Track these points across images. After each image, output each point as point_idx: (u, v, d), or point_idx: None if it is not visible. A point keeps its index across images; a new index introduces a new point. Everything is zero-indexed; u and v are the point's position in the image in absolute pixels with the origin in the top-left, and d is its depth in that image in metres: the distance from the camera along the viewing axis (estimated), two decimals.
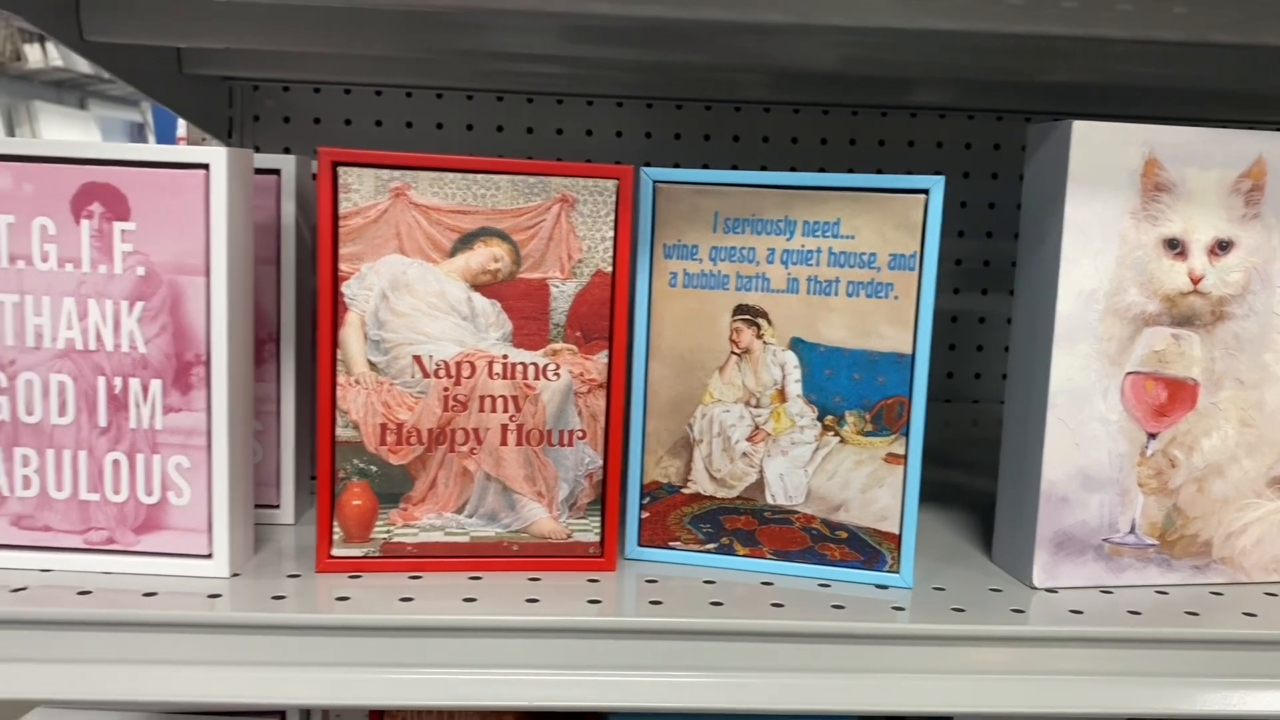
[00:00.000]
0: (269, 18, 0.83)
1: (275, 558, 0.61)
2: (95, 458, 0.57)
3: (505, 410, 0.59)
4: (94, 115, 3.76)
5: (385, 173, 0.56)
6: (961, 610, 0.57)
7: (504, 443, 0.59)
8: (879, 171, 1.08)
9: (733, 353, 0.60)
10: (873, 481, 0.59)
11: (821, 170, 1.08)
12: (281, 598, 0.55)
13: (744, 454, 0.61)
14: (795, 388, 0.59)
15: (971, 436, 1.00)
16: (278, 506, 0.67)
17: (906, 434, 0.58)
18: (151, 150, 0.55)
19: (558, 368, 0.59)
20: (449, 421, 0.59)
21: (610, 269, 0.59)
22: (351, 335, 0.57)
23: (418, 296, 0.58)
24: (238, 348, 0.57)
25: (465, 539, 0.60)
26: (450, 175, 0.57)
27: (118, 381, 0.56)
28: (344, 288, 0.57)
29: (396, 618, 0.53)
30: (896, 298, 0.58)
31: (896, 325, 0.58)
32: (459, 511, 0.60)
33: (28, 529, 0.57)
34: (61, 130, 3.47)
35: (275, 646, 0.54)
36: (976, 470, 0.87)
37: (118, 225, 0.55)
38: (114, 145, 0.55)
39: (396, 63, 1.01)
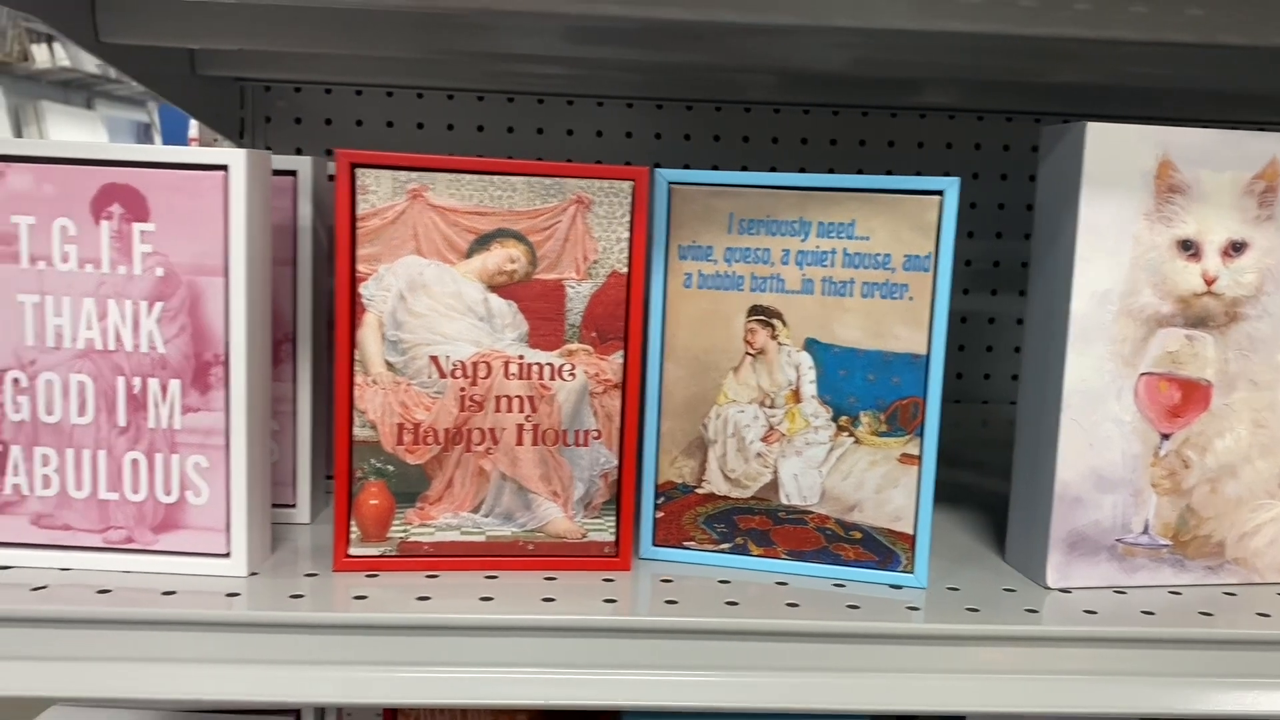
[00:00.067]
0: (281, 19, 0.83)
1: (292, 557, 0.62)
2: (114, 457, 0.57)
3: (521, 410, 0.59)
4: (100, 115, 3.77)
5: (403, 174, 0.57)
6: (976, 610, 0.57)
7: (520, 443, 0.60)
8: (888, 173, 1.08)
9: (747, 353, 0.60)
10: (887, 482, 0.59)
11: (831, 171, 1.08)
12: (299, 597, 0.56)
13: (758, 454, 0.61)
14: (810, 388, 0.59)
15: (981, 437, 1.00)
16: (294, 506, 0.67)
17: (921, 434, 0.59)
18: (171, 152, 0.55)
19: (573, 368, 0.60)
20: (465, 421, 0.59)
21: (626, 270, 0.59)
22: (369, 336, 0.58)
23: (435, 297, 0.58)
24: (256, 348, 0.57)
25: (481, 538, 0.60)
26: (467, 177, 0.57)
27: (137, 381, 0.57)
28: (362, 289, 0.57)
29: (414, 616, 0.54)
30: (911, 298, 0.58)
31: (911, 326, 0.58)
32: (475, 511, 0.60)
33: (47, 528, 0.58)
34: (68, 130, 3.48)
35: (293, 645, 0.54)
36: (986, 471, 0.87)
37: (137, 226, 0.55)
38: (134, 147, 0.55)
39: (407, 64, 1.02)
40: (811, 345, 0.59)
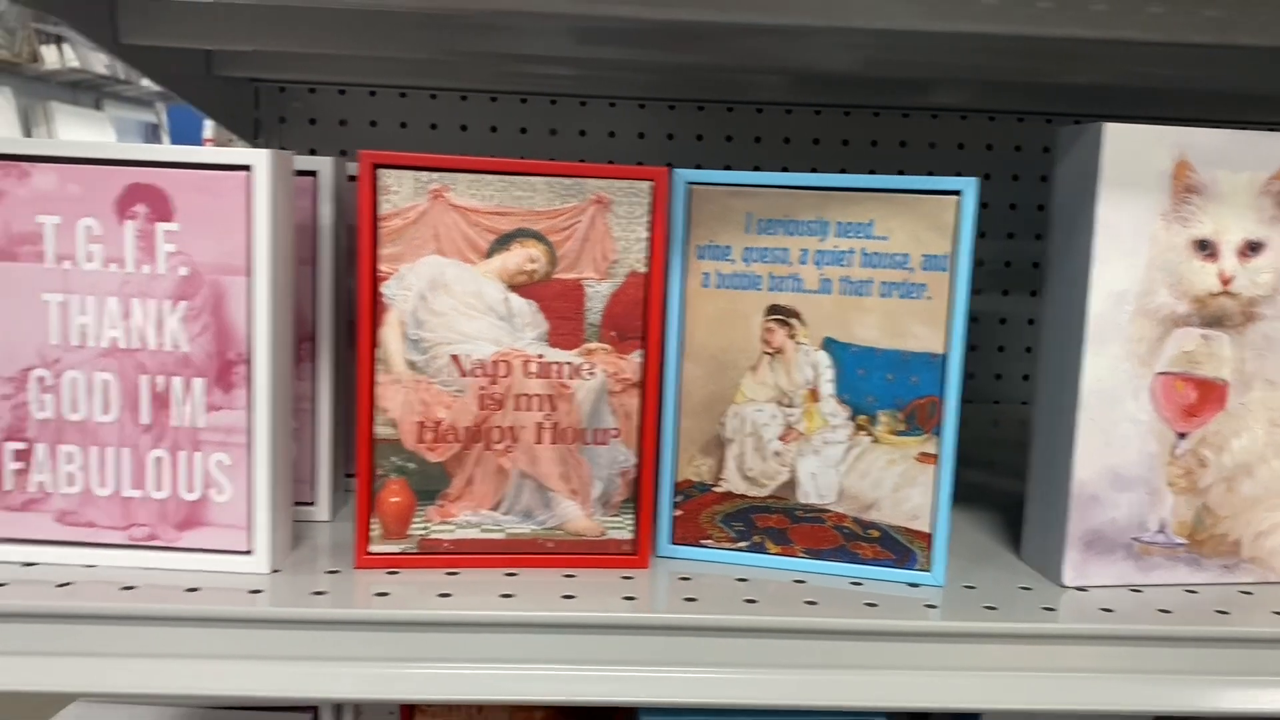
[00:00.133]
0: (295, 21, 0.84)
1: (313, 554, 0.62)
2: (138, 455, 0.58)
3: (540, 409, 0.60)
4: (109, 116, 3.78)
5: (425, 175, 0.57)
6: (993, 608, 0.58)
7: (539, 441, 0.60)
8: (900, 173, 1.08)
9: (765, 352, 0.61)
10: (904, 481, 0.60)
11: (843, 171, 1.08)
12: (321, 593, 0.56)
13: (776, 453, 0.61)
14: (828, 387, 0.60)
15: (993, 437, 1.01)
16: (313, 503, 0.67)
17: (939, 434, 0.59)
18: (195, 152, 0.56)
19: (592, 367, 0.60)
20: (485, 420, 0.59)
21: (644, 269, 0.60)
22: (391, 335, 0.58)
23: (455, 297, 0.58)
24: (279, 347, 0.58)
25: (501, 536, 0.61)
26: (488, 177, 0.58)
27: (160, 380, 0.57)
28: (383, 288, 0.58)
29: (437, 613, 0.54)
30: (929, 298, 0.58)
31: (929, 325, 0.58)
32: (495, 509, 0.60)
33: (72, 525, 0.58)
34: (77, 131, 3.49)
35: (315, 642, 0.55)
36: (998, 470, 0.87)
37: (161, 226, 0.56)
38: (158, 147, 0.56)
39: (421, 65, 1.02)
40: (830, 344, 0.60)
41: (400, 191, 0.57)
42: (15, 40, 3.18)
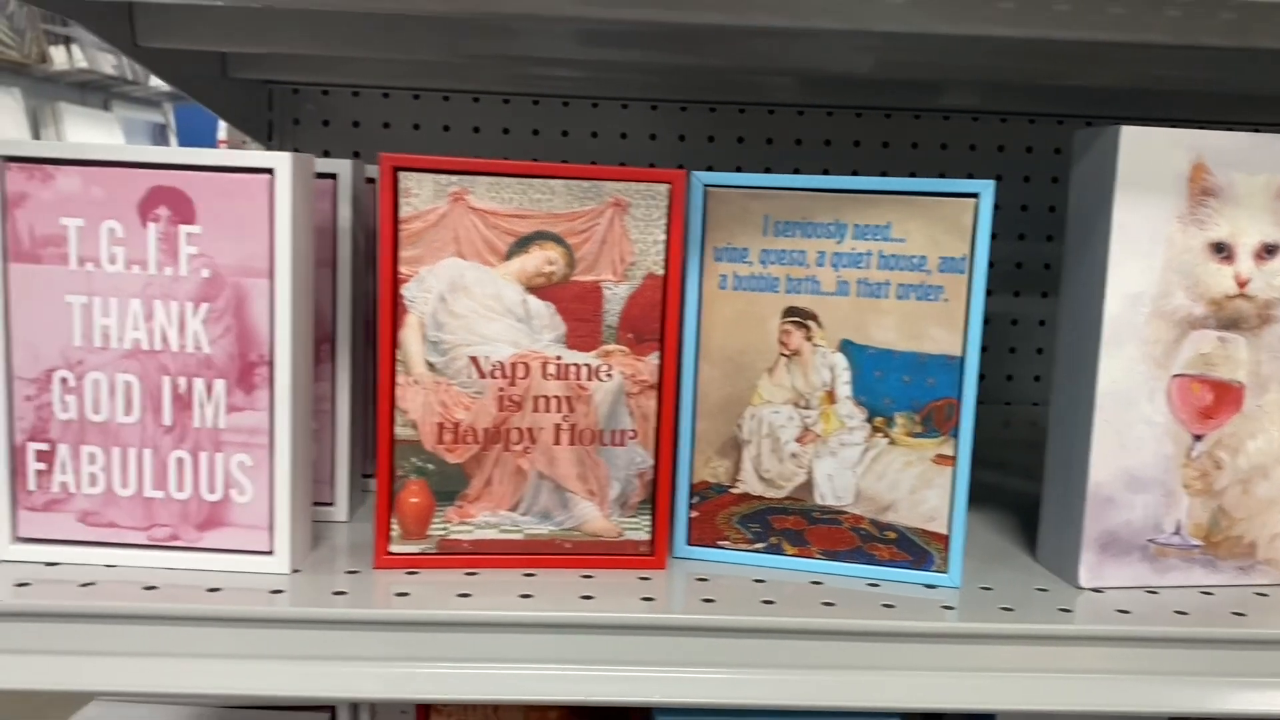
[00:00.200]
0: (309, 23, 0.84)
1: (332, 554, 0.62)
2: (160, 456, 0.58)
3: (558, 410, 0.60)
4: (117, 116, 3.79)
5: (444, 178, 0.58)
6: (1010, 610, 0.58)
7: (557, 442, 0.60)
8: (911, 174, 1.08)
9: (782, 354, 0.61)
10: (921, 482, 0.60)
11: (854, 172, 1.09)
12: (342, 593, 0.57)
13: (793, 455, 0.61)
14: (845, 389, 0.60)
15: (1004, 438, 1.01)
16: (332, 504, 0.68)
17: (956, 435, 0.59)
18: (217, 155, 0.56)
19: (610, 369, 0.60)
20: (504, 421, 0.60)
21: (662, 272, 0.60)
22: (411, 336, 0.58)
23: (475, 299, 0.59)
24: (300, 348, 0.58)
25: (519, 536, 0.61)
26: (507, 180, 0.58)
27: (182, 381, 0.57)
28: (404, 290, 0.58)
29: (458, 613, 0.55)
30: (946, 300, 0.58)
31: (946, 328, 0.58)
32: (513, 509, 0.61)
33: (94, 525, 0.59)
34: (86, 131, 3.50)
35: (336, 641, 0.55)
36: (1011, 471, 0.88)
37: (184, 228, 0.56)
38: (181, 150, 0.56)
39: (433, 67, 1.03)
40: (847, 346, 0.60)
41: (420, 194, 0.57)
42: (24, 41, 3.20)
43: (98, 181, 0.56)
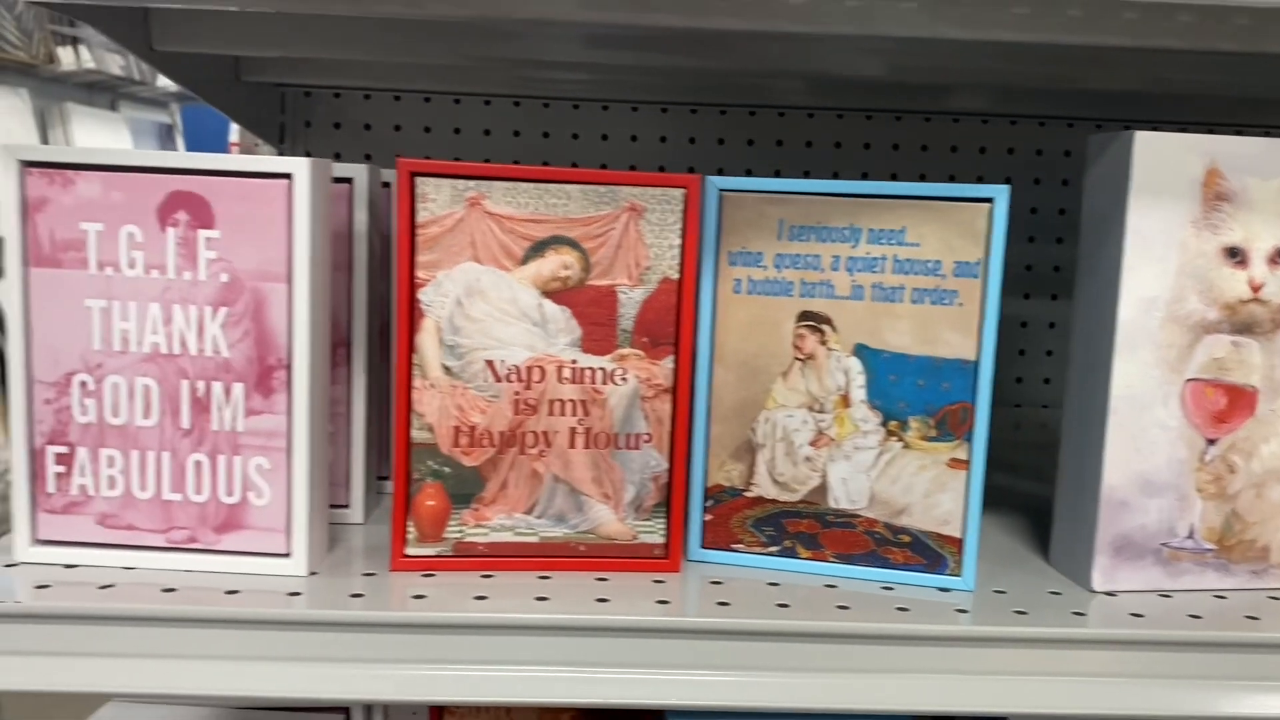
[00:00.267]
0: (321, 27, 0.85)
1: (348, 556, 0.63)
2: (178, 459, 0.59)
3: (574, 414, 0.60)
4: (124, 117, 3.80)
5: (461, 183, 0.58)
6: (1024, 613, 0.58)
7: (572, 445, 0.61)
8: (921, 176, 1.09)
9: (796, 358, 0.61)
10: (935, 486, 0.60)
11: (865, 175, 1.09)
12: (359, 596, 0.57)
13: (807, 458, 0.62)
14: (859, 393, 0.60)
15: (1015, 440, 1.01)
16: (348, 506, 0.68)
17: (970, 439, 0.59)
18: (236, 160, 0.56)
19: (625, 372, 0.61)
20: (519, 424, 0.60)
21: (677, 276, 0.60)
22: (427, 340, 0.59)
23: (491, 303, 0.59)
24: (317, 352, 0.58)
25: (534, 539, 0.61)
26: (523, 185, 0.58)
27: (201, 385, 0.58)
28: (420, 294, 0.58)
29: (476, 615, 0.55)
30: (961, 304, 0.59)
31: (961, 332, 0.59)
32: (528, 512, 0.61)
33: (112, 528, 0.59)
34: (93, 132, 3.51)
35: (354, 644, 0.55)
36: (1022, 474, 0.88)
37: (202, 233, 0.57)
38: (200, 155, 0.56)
39: (444, 70, 1.03)
40: (861, 351, 0.60)
41: (437, 199, 0.58)
42: (32, 42, 3.21)
43: (117, 186, 0.56)
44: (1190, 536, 0.62)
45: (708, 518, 0.63)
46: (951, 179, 1.08)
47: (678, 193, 0.60)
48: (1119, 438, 0.60)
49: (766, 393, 0.62)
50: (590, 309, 0.60)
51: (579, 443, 0.61)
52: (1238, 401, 0.61)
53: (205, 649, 0.55)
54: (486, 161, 1.06)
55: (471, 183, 0.58)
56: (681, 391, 0.61)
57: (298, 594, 0.57)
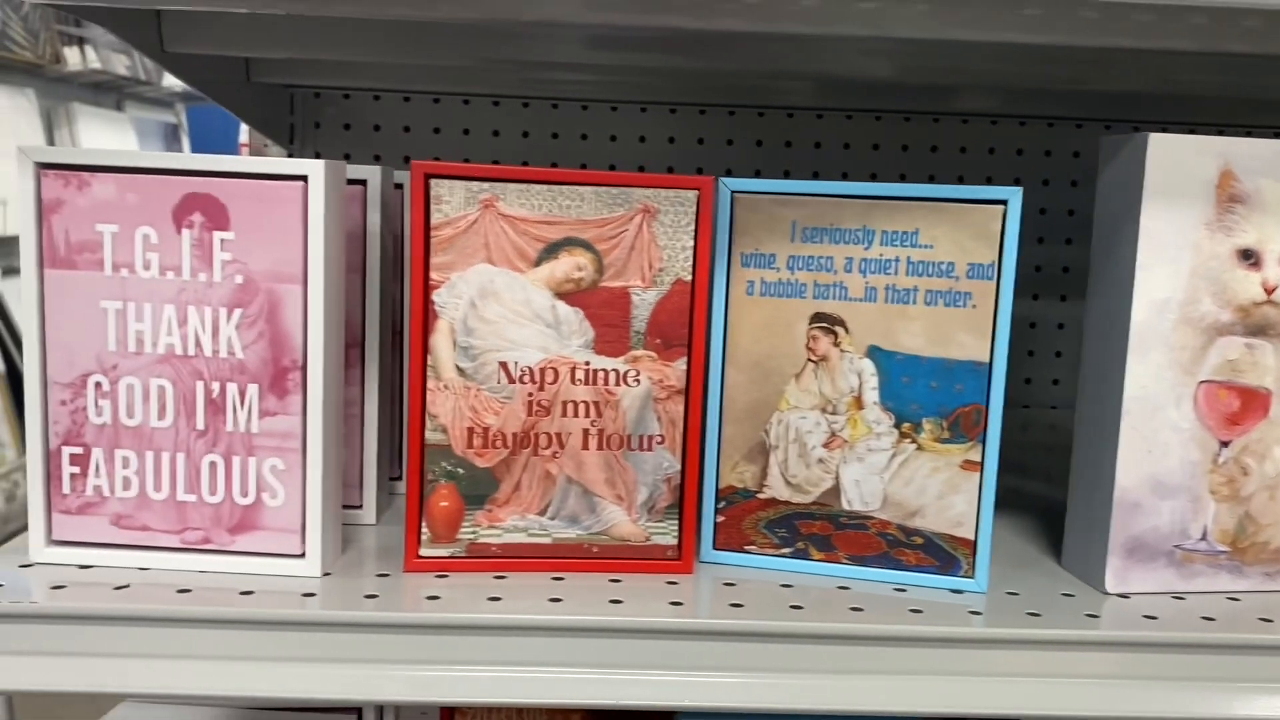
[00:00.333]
0: (332, 29, 0.85)
1: (362, 557, 0.63)
2: (193, 460, 0.59)
3: (587, 415, 0.61)
4: (130, 117, 3.81)
5: (475, 184, 0.58)
6: (1037, 615, 0.58)
7: (585, 447, 0.61)
8: (931, 177, 1.09)
9: (809, 360, 0.61)
10: (949, 488, 0.60)
11: (873, 175, 1.09)
12: (374, 596, 0.57)
13: (820, 460, 0.62)
14: (872, 395, 0.60)
15: (1022, 441, 1.01)
16: (360, 507, 0.68)
17: (983, 441, 0.59)
18: (252, 162, 0.57)
19: (638, 374, 0.61)
20: (533, 426, 0.60)
21: (690, 277, 0.60)
22: (441, 342, 0.59)
23: (504, 305, 0.59)
24: (331, 353, 0.59)
25: (547, 540, 0.61)
26: (537, 187, 0.58)
27: (215, 386, 0.58)
28: (434, 296, 0.58)
29: (490, 616, 0.55)
30: (974, 306, 0.59)
31: (974, 334, 0.59)
32: (541, 514, 0.61)
33: (127, 528, 0.59)
34: (99, 132, 3.52)
35: (368, 644, 0.56)
36: (1030, 475, 0.88)
37: (217, 235, 0.57)
38: (215, 157, 0.57)
39: (453, 71, 1.03)
40: (874, 352, 0.60)
41: (452, 201, 0.58)
42: (39, 42, 3.21)
43: (133, 188, 0.57)
44: (1203, 538, 0.62)
45: (720, 519, 0.63)
46: (960, 180, 1.08)
47: (691, 194, 0.60)
48: (1132, 439, 0.60)
49: (779, 394, 0.62)
50: (603, 310, 0.60)
51: (592, 444, 0.61)
52: (1251, 403, 0.61)
53: (220, 649, 0.56)
54: (495, 163, 1.06)
55: (485, 184, 0.58)
56: (694, 393, 0.61)
57: (312, 595, 0.57)
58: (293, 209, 0.56)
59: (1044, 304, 1.11)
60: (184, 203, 0.57)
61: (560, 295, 0.60)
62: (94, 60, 3.47)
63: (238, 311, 0.57)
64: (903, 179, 1.08)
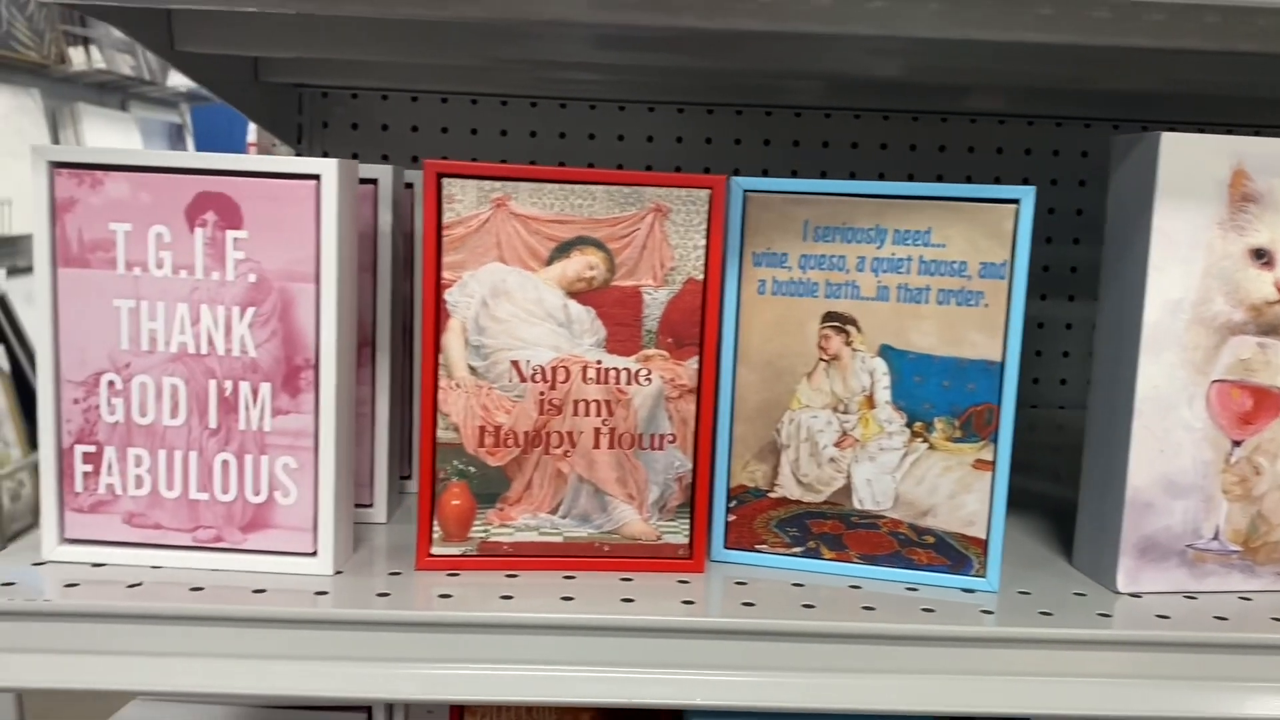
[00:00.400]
0: (340, 29, 0.85)
1: (373, 556, 0.63)
2: (205, 458, 0.59)
3: (598, 414, 0.61)
4: (134, 117, 3.81)
5: (487, 184, 0.58)
6: (1048, 614, 0.58)
7: (597, 446, 0.61)
8: (939, 177, 1.08)
9: (821, 359, 0.61)
10: (960, 487, 0.60)
11: (881, 175, 1.09)
12: (385, 595, 0.57)
13: (831, 459, 0.62)
14: (884, 394, 0.60)
15: (1030, 441, 1.01)
16: (371, 505, 0.68)
17: (995, 440, 0.59)
18: (265, 161, 0.57)
19: (649, 373, 0.61)
20: (544, 424, 0.60)
21: (702, 277, 0.60)
22: (453, 341, 0.59)
23: (516, 304, 0.59)
24: (344, 352, 0.59)
25: (559, 539, 0.61)
26: (549, 186, 0.59)
27: (228, 384, 0.58)
28: (446, 295, 0.58)
29: (501, 615, 0.55)
30: (986, 305, 0.59)
31: (986, 333, 0.59)
32: (553, 512, 0.61)
33: (139, 527, 0.59)
34: (104, 132, 3.52)
35: (380, 643, 0.56)
36: (1039, 474, 0.88)
37: (230, 233, 0.57)
38: (228, 156, 0.57)
39: (461, 71, 1.03)
40: (886, 351, 0.60)
41: (464, 200, 0.58)
42: (44, 42, 3.22)
43: (146, 187, 0.57)
44: (1215, 538, 0.62)
45: (731, 518, 0.63)
46: (968, 179, 1.08)
47: (703, 193, 0.60)
48: (1144, 439, 0.60)
49: (791, 393, 0.62)
50: (615, 309, 0.60)
51: (603, 443, 0.61)
52: (1264, 403, 0.61)
53: (232, 648, 0.56)
54: (502, 162, 1.07)
55: (497, 184, 0.58)
56: (706, 392, 0.61)
57: (324, 593, 0.57)
58: (306, 208, 0.56)
59: (1052, 304, 1.11)
60: (197, 201, 0.57)
61: (572, 294, 0.60)
62: (99, 60, 3.48)
63: (250, 310, 0.57)
64: (910, 178, 1.08)
